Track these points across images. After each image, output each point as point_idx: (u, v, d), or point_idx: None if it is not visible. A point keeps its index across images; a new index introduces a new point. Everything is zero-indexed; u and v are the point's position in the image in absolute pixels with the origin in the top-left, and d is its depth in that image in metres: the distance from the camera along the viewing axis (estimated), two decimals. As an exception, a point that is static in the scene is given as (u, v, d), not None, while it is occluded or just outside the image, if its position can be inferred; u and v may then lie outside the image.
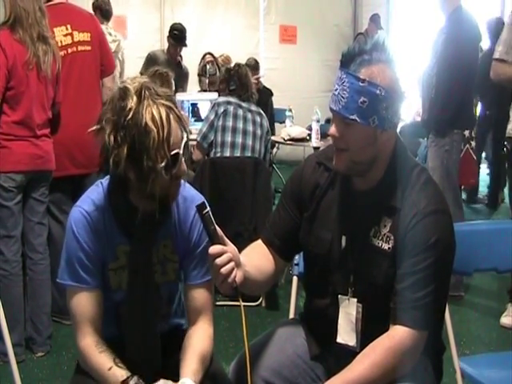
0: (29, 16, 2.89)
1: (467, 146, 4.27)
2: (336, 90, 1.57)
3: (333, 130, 1.60)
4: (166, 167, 1.54)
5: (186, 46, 5.89)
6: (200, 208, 1.52)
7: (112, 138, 1.51)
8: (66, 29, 3.25)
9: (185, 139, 1.60)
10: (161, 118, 1.52)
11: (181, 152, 1.58)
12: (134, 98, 1.51)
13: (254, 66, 6.48)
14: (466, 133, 4.08)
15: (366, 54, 1.56)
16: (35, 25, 2.91)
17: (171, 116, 1.54)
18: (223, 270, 1.48)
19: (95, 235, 1.65)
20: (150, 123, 1.50)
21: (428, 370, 1.68)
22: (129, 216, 1.65)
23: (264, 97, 6.33)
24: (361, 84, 1.53)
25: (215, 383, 1.67)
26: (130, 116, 1.50)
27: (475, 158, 4.55)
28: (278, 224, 1.79)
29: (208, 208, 1.52)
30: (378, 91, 1.53)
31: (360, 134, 1.57)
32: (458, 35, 3.78)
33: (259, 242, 1.81)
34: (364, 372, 1.53)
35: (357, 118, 1.54)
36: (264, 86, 6.48)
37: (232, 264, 1.50)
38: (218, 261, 1.47)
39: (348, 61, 1.56)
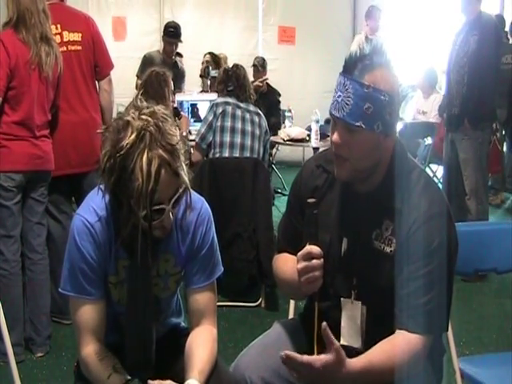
0: (32, 16, 2.89)
1: (494, 137, 4.56)
2: (339, 96, 1.55)
3: (335, 137, 1.59)
4: (145, 217, 1.49)
5: (181, 41, 5.91)
6: (312, 205, 1.59)
7: (105, 159, 1.47)
8: (56, 28, 3.22)
9: (180, 192, 1.52)
10: (149, 171, 1.43)
11: (169, 207, 1.51)
12: (132, 137, 1.44)
13: (261, 64, 6.45)
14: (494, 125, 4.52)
15: (367, 59, 1.55)
16: (38, 25, 2.91)
17: (162, 171, 1.45)
18: (312, 274, 1.56)
19: (98, 247, 1.61)
20: (137, 171, 1.43)
21: (428, 372, 1.68)
22: (130, 231, 1.56)
23: (272, 97, 6.28)
24: (365, 90, 1.52)
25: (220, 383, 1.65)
26: (122, 152, 1.44)
27: (500, 147, 4.89)
28: (288, 234, 1.81)
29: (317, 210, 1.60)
30: (382, 97, 1.53)
31: (364, 141, 1.56)
32: (489, 37, 4.09)
33: (284, 254, 1.81)
34: (384, 361, 1.52)
35: (362, 125, 1.53)
36: (270, 86, 6.41)
37: (321, 271, 1.57)
38: (315, 262, 1.56)
39: (350, 66, 1.55)
